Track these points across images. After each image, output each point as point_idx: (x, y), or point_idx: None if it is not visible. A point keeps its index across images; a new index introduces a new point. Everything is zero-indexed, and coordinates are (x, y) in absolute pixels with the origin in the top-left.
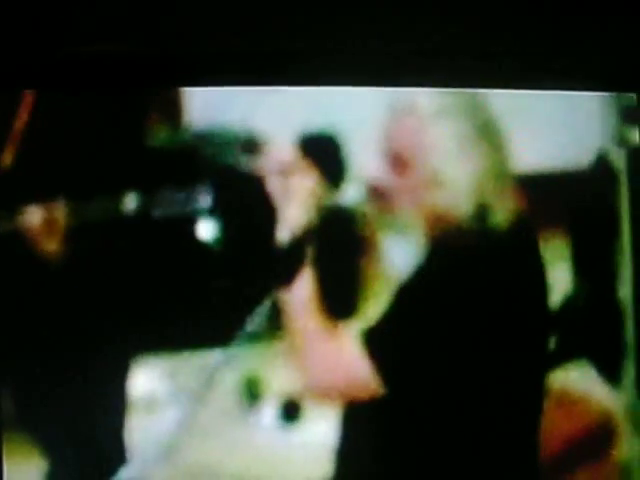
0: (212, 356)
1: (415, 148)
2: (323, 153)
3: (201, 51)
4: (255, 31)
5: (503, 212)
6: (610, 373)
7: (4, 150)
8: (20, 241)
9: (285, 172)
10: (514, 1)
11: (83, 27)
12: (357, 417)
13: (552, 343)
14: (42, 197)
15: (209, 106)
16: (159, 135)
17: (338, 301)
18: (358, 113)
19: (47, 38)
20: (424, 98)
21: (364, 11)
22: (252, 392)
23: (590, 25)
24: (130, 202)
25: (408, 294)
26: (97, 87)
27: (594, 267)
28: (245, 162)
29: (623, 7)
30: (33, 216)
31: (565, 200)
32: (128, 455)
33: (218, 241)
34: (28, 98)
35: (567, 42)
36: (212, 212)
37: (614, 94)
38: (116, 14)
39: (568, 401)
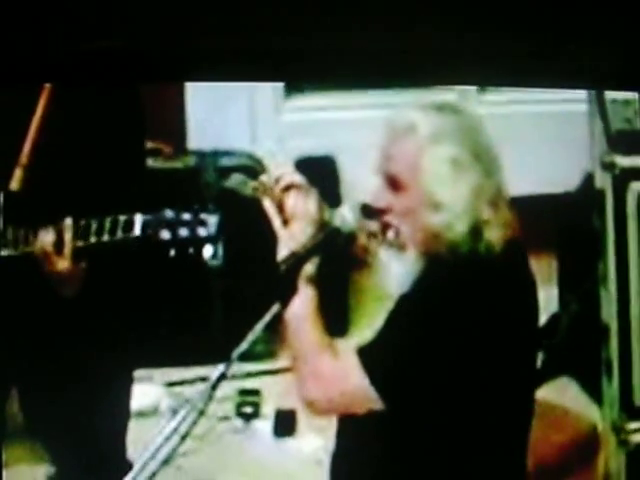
0: (212, 370)
1: (412, 170)
2: (321, 174)
3: (207, 48)
4: (259, 29)
5: (496, 233)
6: (594, 388)
7: (18, 152)
8: (29, 260)
9: (286, 192)
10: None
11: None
12: (352, 430)
13: (540, 359)
14: (51, 218)
15: (211, 130)
16: (163, 158)
17: (335, 317)
18: (356, 135)
19: (60, 34)
20: (422, 121)
21: (362, 12)
22: (249, 405)
23: (592, 24)
24: (135, 223)
25: (404, 311)
26: (106, 82)
27: (580, 287)
28: (246, 184)
29: (624, 7)
30: (43, 237)
31: (552, 222)
32: (130, 462)
33: (220, 260)
34: (43, 101)
35: (568, 41)
36: (213, 232)
37: (600, 117)
38: (127, 12)
39: (554, 415)
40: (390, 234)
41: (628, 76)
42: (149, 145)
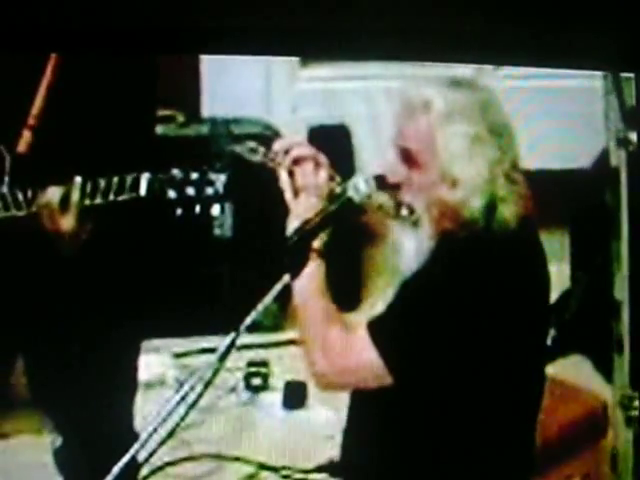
0: (221, 341)
1: (427, 146)
2: (335, 145)
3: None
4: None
5: (510, 209)
6: (604, 366)
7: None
8: (35, 223)
9: (297, 163)
10: None
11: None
12: (363, 405)
13: (551, 336)
14: (58, 177)
15: (226, 98)
16: (176, 125)
17: (346, 290)
18: (371, 105)
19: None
20: (437, 97)
21: None
22: (258, 376)
23: (592, 7)
24: (141, 182)
25: (415, 286)
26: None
27: (592, 264)
28: (258, 153)
29: None
30: (49, 195)
31: (565, 199)
32: (137, 433)
33: (230, 230)
34: (52, 62)
35: (568, 21)
36: (225, 202)
37: (615, 94)
38: None
39: (565, 391)
40: (404, 211)
41: (630, 57)
42: (163, 112)
